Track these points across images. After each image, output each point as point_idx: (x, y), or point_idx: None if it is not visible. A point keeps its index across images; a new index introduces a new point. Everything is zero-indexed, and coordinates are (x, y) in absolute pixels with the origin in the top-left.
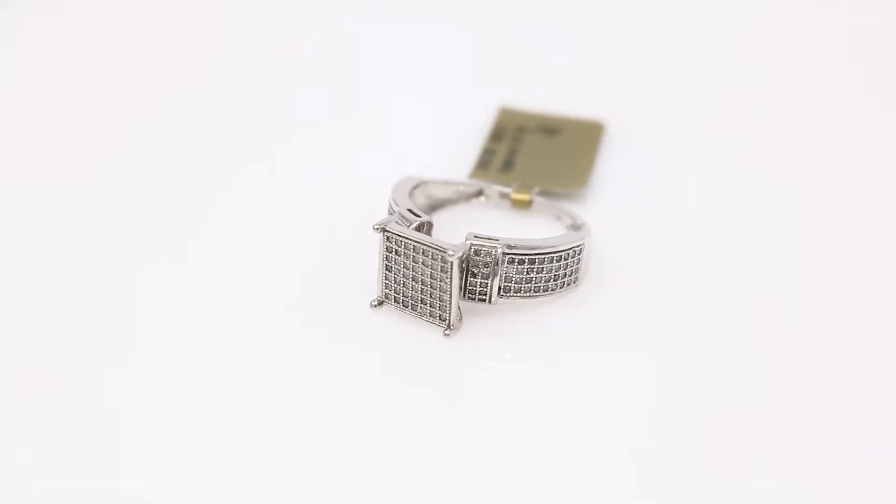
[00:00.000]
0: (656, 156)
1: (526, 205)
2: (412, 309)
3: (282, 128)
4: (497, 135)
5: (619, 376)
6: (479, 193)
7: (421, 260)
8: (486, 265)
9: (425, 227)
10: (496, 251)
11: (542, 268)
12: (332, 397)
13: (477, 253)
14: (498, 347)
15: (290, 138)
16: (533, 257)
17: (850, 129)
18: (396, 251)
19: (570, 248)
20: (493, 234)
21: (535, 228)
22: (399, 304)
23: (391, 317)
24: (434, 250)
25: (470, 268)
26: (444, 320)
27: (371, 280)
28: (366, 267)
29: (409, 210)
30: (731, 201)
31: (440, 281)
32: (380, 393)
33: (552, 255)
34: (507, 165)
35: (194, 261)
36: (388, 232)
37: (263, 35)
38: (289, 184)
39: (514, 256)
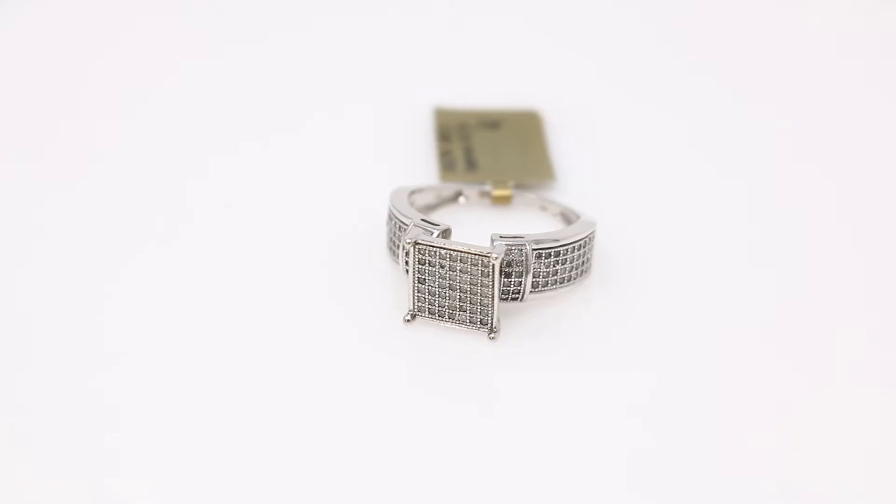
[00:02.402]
0: (600, 142)
1: (507, 200)
2: (449, 318)
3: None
4: (444, 135)
5: (651, 376)
6: (459, 195)
7: (459, 267)
8: (518, 263)
9: (443, 235)
10: (526, 248)
11: (566, 258)
12: (376, 407)
13: (508, 252)
14: (540, 347)
15: (237, 146)
16: (558, 249)
17: (785, 91)
18: (430, 262)
19: (587, 236)
20: (518, 231)
21: (528, 222)
22: (434, 315)
23: (422, 326)
24: (473, 256)
25: (503, 268)
26: (486, 324)
27: (365, 289)
28: (365, 278)
29: (424, 220)
30: (681, 180)
31: (480, 286)
32: (428, 402)
33: (574, 244)
34: (471, 164)
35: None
36: (421, 244)
37: (180, 58)
38: (250, 204)
39: (541, 251)
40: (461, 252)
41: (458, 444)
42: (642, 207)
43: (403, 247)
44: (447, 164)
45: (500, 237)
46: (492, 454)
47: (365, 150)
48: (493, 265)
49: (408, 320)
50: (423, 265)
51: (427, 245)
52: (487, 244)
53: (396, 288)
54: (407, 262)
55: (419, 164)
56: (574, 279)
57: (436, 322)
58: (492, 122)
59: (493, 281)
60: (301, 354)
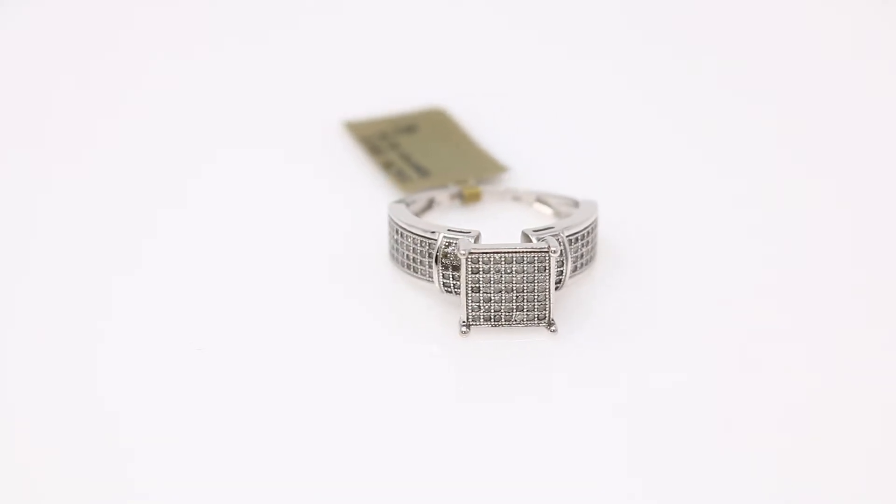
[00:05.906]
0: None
1: (479, 197)
2: (506, 321)
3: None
4: (373, 148)
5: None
6: (432, 201)
7: (514, 269)
8: (560, 253)
9: (476, 240)
10: (561, 236)
11: (588, 240)
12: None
13: None
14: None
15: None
16: (583, 233)
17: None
18: (484, 270)
19: (596, 217)
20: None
21: (518, 213)
22: (489, 321)
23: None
24: (529, 253)
25: None
26: (543, 318)
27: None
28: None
29: (451, 230)
30: (627, 153)
31: (536, 282)
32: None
33: (592, 225)
34: (421, 171)
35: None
36: (475, 253)
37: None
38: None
39: (572, 237)
40: (516, 253)
41: (521, 439)
42: (596, 184)
43: (439, 259)
44: (397, 175)
45: (534, 231)
46: (544, 447)
47: (303, 178)
48: (550, 259)
49: (464, 331)
50: (475, 273)
51: (481, 252)
52: (514, 241)
53: (419, 302)
54: (445, 276)
55: (364, 181)
56: (592, 259)
57: (491, 327)
58: (406, 127)
59: (549, 275)
60: (350, 366)
